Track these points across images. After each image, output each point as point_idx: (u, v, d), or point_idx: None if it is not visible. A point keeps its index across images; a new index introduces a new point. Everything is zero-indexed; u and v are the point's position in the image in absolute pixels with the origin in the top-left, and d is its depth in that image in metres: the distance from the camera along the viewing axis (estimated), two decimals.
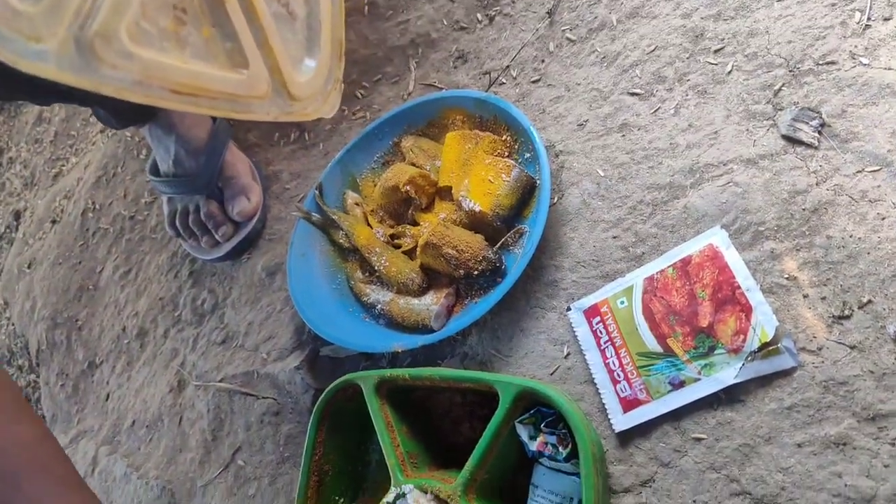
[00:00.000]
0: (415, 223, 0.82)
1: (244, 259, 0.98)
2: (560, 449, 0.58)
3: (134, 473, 0.97)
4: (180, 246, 1.07)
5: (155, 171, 1.02)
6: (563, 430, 0.59)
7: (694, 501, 0.57)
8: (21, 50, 0.50)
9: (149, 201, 1.18)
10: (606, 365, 0.64)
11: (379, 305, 0.79)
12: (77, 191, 1.32)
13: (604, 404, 0.63)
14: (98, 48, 0.54)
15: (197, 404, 0.94)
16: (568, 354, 0.68)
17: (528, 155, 0.77)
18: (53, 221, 1.35)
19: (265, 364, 0.88)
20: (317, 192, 0.88)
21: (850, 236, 0.57)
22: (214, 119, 1.00)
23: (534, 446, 0.59)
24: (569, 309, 0.68)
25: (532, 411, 0.60)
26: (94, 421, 1.09)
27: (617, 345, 0.64)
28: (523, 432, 0.60)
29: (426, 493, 0.60)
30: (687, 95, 0.70)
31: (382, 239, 0.82)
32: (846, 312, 0.56)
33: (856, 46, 0.64)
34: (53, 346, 1.21)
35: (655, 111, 0.72)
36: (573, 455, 0.58)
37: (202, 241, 0.99)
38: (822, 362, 0.55)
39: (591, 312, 0.67)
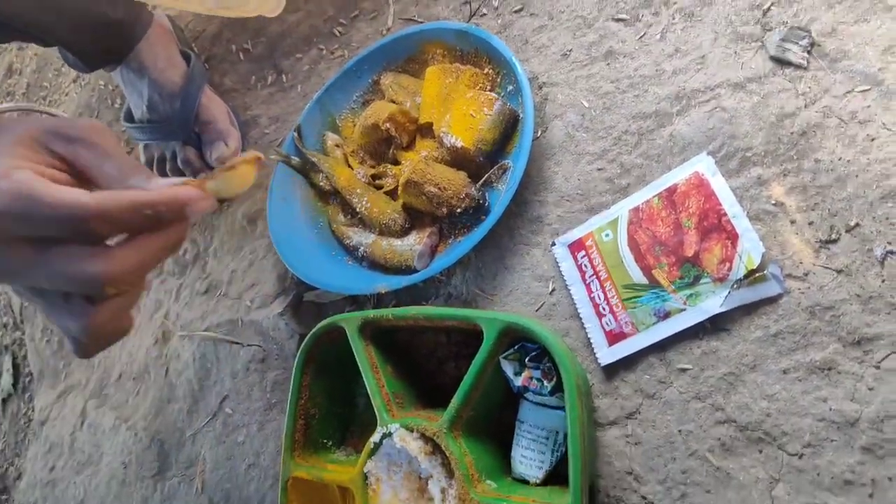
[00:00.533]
0: (396, 162, 0.80)
1: (225, 207, 0.96)
2: (545, 383, 0.57)
3: (123, 425, 0.97)
4: None
5: (129, 117, 0.98)
6: (548, 364, 0.58)
7: (679, 431, 0.57)
8: None
9: (126, 151, 1.14)
10: (591, 299, 0.63)
11: (361, 248, 0.78)
12: None
13: (589, 339, 0.63)
14: None
15: (182, 354, 0.93)
16: (553, 290, 0.67)
17: (510, 88, 0.74)
18: None
19: (249, 311, 0.87)
20: (296, 134, 0.85)
21: (839, 159, 0.56)
22: (189, 61, 0.96)
23: (519, 381, 0.59)
24: (553, 244, 0.67)
25: (516, 347, 0.60)
26: (81, 375, 1.08)
27: (602, 278, 0.63)
28: (508, 368, 0.59)
29: (412, 431, 0.59)
30: (673, 19, 0.67)
31: (363, 180, 0.80)
32: (833, 236, 0.55)
33: None
34: None
35: (641, 37, 0.69)
36: (558, 389, 0.57)
37: None
38: (809, 288, 0.55)
39: (575, 246, 0.65)
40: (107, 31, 0.88)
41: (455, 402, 0.59)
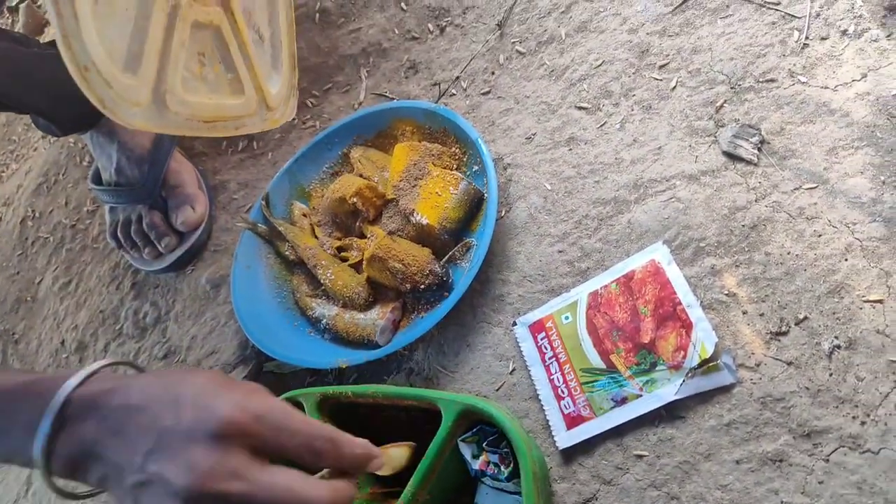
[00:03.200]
0: (362, 235, 0.80)
1: (188, 271, 0.96)
2: (502, 468, 0.57)
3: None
4: (122, 257, 1.03)
5: (97, 179, 0.98)
6: (506, 449, 0.58)
7: None
8: (126, 113, 0.66)
9: (91, 210, 1.14)
10: (551, 381, 0.64)
11: (324, 320, 0.77)
12: (17, 198, 1.27)
13: (548, 421, 0.63)
14: (168, 101, 0.69)
15: None
16: (513, 370, 0.67)
17: (476, 167, 0.76)
18: None
19: None
20: (263, 202, 0.86)
21: (788, 253, 0.58)
22: None
23: (476, 465, 0.58)
24: (514, 324, 0.68)
25: (475, 429, 0.59)
26: None
27: (561, 360, 0.63)
28: (466, 451, 0.59)
29: None
30: (632, 110, 0.70)
31: (329, 251, 0.80)
32: (783, 329, 0.56)
33: (794, 65, 0.64)
34: None
35: (602, 126, 0.72)
36: (515, 474, 0.57)
37: (144, 253, 0.96)
38: (760, 378, 0.56)
39: (536, 328, 0.66)
40: (82, 101, 0.89)
41: (412, 484, 0.58)
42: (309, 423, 0.47)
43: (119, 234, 0.96)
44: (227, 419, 0.44)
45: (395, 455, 0.52)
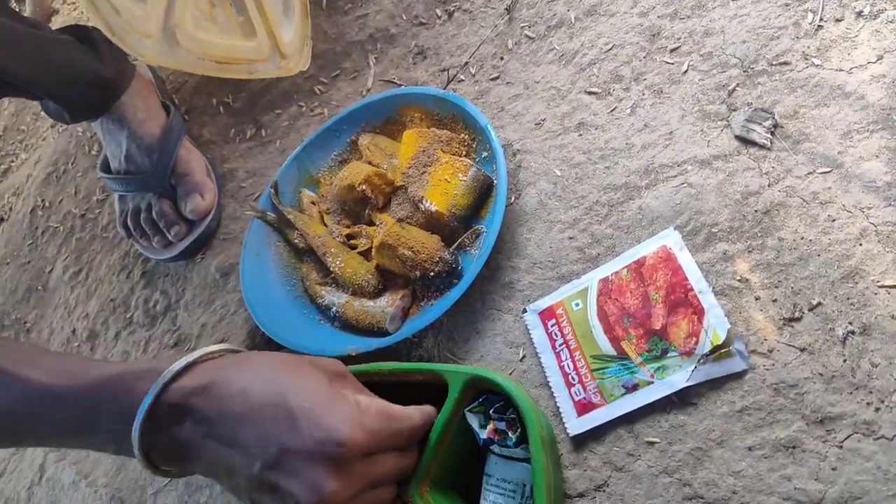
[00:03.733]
0: (371, 223, 0.80)
1: (198, 259, 0.96)
2: (509, 434, 0.57)
3: (83, 481, 0.94)
4: (132, 246, 1.03)
5: (106, 167, 0.98)
6: (512, 416, 0.58)
7: None
8: (136, 44, 0.67)
9: (101, 199, 1.14)
10: (561, 368, 0.63)
11: (334, 307, 0.77)
12: (26, 188, 1.28)
13: (558, 408, 0.63)
14: (178, 36, 0.70)
15: None
16: (523, 357, 0.67)
17: (485, 154, 0.75)
18: (1, 220, 1.30)
19: None
20: (272, 190, 0.86)
21: (802, 238, 0.57)
22: (168, 113, 0.97)
23: (484, 434, 0.58)
24: (524, 311, 0.67)
25: (481, 399, 0.59)
26: None
27: (572, 347, 0.63)
28: (474, 421, 0.59)
29: None
30: (643, 95, 0.70)
31: (338, 239, 0.80)
32: (796, 315, 0.56)
33: (808, 47, 0.63)
34: None
35: (612, 111, 0.71)
36: (523, 440, 0.57)
37: (154, 241, 0.96)
38: (773, 365, 0.55)
39: (546, 314, 0.66)
40: (95, 87, 0.89)
41: (423, 457, 0.58)
42: (405, 418, 0.55)
43: (129, 222, 0.96)
44: (346, 443, 0.49)
45: None
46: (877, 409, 0.51)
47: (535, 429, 0.54)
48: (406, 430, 0.55)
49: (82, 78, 0.87)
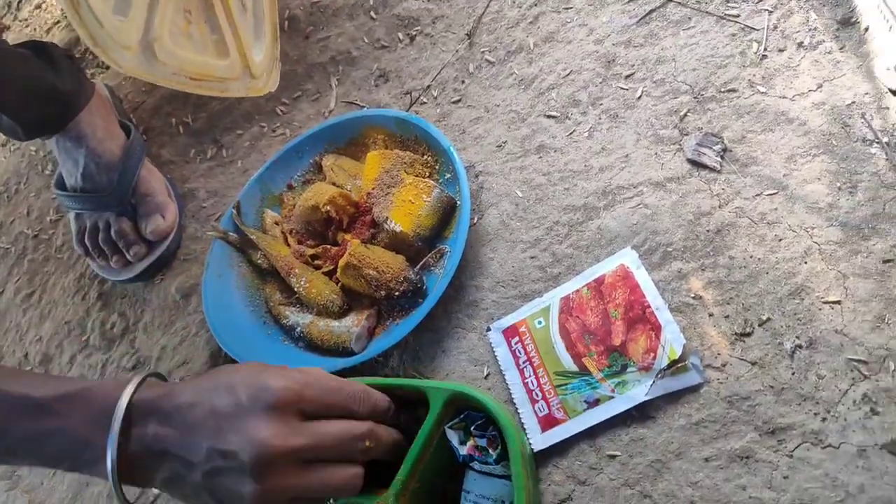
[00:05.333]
0: (335, 243, 0.80)
1: (157, 280, 0.94)
2: (490, 451, 0.58)
3: None
4: (88, 266, 1.01)
5: (61, 184, 0.96)
6: (493, 433, 0.59)
7: None
8: (116, 55, 0.69)
9: (54, 219, 1.11)
10: (525, 384, 0.65)
11: (298, 328, 0.77)
12: None
13: (523, 423, 0.64)
14: (157, 50, 0.72)
15: None
16: (488, 374, 0.68)
17: (448, 175, 0.77)
18: None
19: None
20: (234, 210, 0.85)
21: (751, 257, 0.60)
22: (128, 133, 0.96)
23: (464, 451, 0.59)
24: (488, 329, 0.69)
25: (462, 416, 0.60)
26: None
27: (535, 364, 0.65)
28: (454, 437, 0.59)
29: None
30: (600, 119, 0.72)
31: (302, 259, 0.80)
32: (747, 330, 0.58)
33: (754, 75, 0.67)
34: None
35: (570, 134, 0.73)
36: (503, 457, 0.58)
37: (112, 261, 0.94)
38: (727, 378, 0.58)
39: (510, 332, 0.67)
40: (53, 102, 0.88)
41: (402, 472, 0.58)
42: (345, 381, 0.55)
43: (86, 241, 0.94)
44: (279, 390, 0.49)
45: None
46: (823, 419, 0.54)
47: (517, 446, 0.55)
48: (352, 395, 0.54)
49: (40, 92, 0.85)
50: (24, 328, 1.06)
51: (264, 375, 0.51)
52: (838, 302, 0.57)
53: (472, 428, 0.59)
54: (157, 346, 0.90)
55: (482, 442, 0.58)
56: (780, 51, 0.67)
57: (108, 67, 1.19)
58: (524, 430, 0.64)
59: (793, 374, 0.56)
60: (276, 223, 0.85)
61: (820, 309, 0.57)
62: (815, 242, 0.59)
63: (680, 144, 0.67)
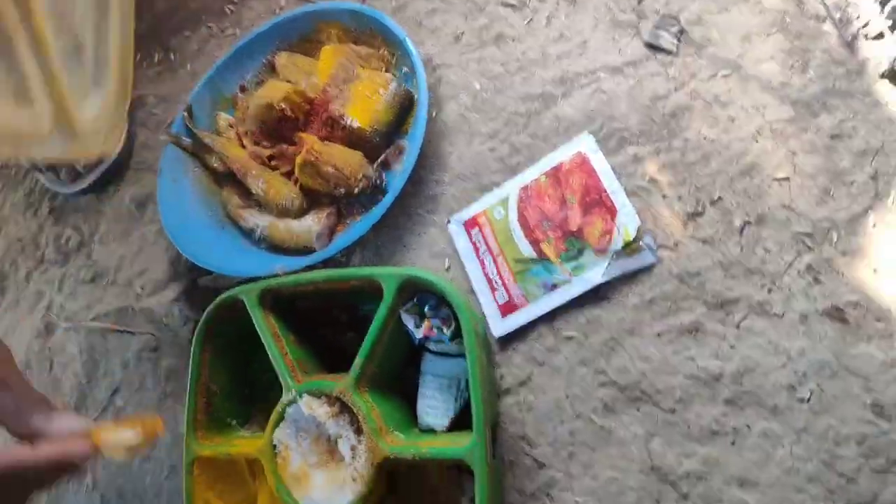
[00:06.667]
0: (292, 142, 0.79)
1: (110, 191, 0.92)
2: (444, 329, 0.59)
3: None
4: (38, 181, 0.98)
5: None
6: (446, 312, 0.60)
7: (566, 395, 0.61)
8: None
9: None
10: (485, 274, 0.66)
11: (258, 230, 0.76)
12: None
13: (483, 312, 0.65)
14: None
15: (68, 347, 0.88)
16: (449, 267, 0.69)
17: (405, 69, 0.75)
18: None
19: (140, 299, 0.84)
20: (186, 114, 0.82)
21: (705, 138, 0.61)
22: None
23: (420, 333, 0.60)
24: (448, 222, 0.69)
25: (415, 300, 0.61)
26: None
27: (494, 253, 0.65)
28: (409, 321, 0.60)
29: (318, 397, 0.60)
30: (558, 5, 0.71)
31: (259, 161, 0.79)
32: (699, 209, 0.59)
33: None
34: None
35: (528, 22, 0.72)
36: (457, 334, 0.59)
37: (61, 173, 0.91)
38: (678, 257, 0.59)
39: (469, 224, 0.67)
40: None
41: (359, 358, 0.59)
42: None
43: None
44: None
45: (123, 437, 0.52)
46: (769, 291, 0.56)
47: (469, 323, 0.56)
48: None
49: None
50: None
51: None
52: (787, 178, 0.58)
53: (425, 309, 0.60)
54: (114, 257, 0.89)
55: (436, 321, 0.59)
56: None
57: None
58: (485, 317, 0.65)
59: (741, 249, 0.58)
60: (231, 125, 0.83)
61: (769, 186, 0.58)
62: (767, 121, 0.59)
63: (637, 28, 0.66)
